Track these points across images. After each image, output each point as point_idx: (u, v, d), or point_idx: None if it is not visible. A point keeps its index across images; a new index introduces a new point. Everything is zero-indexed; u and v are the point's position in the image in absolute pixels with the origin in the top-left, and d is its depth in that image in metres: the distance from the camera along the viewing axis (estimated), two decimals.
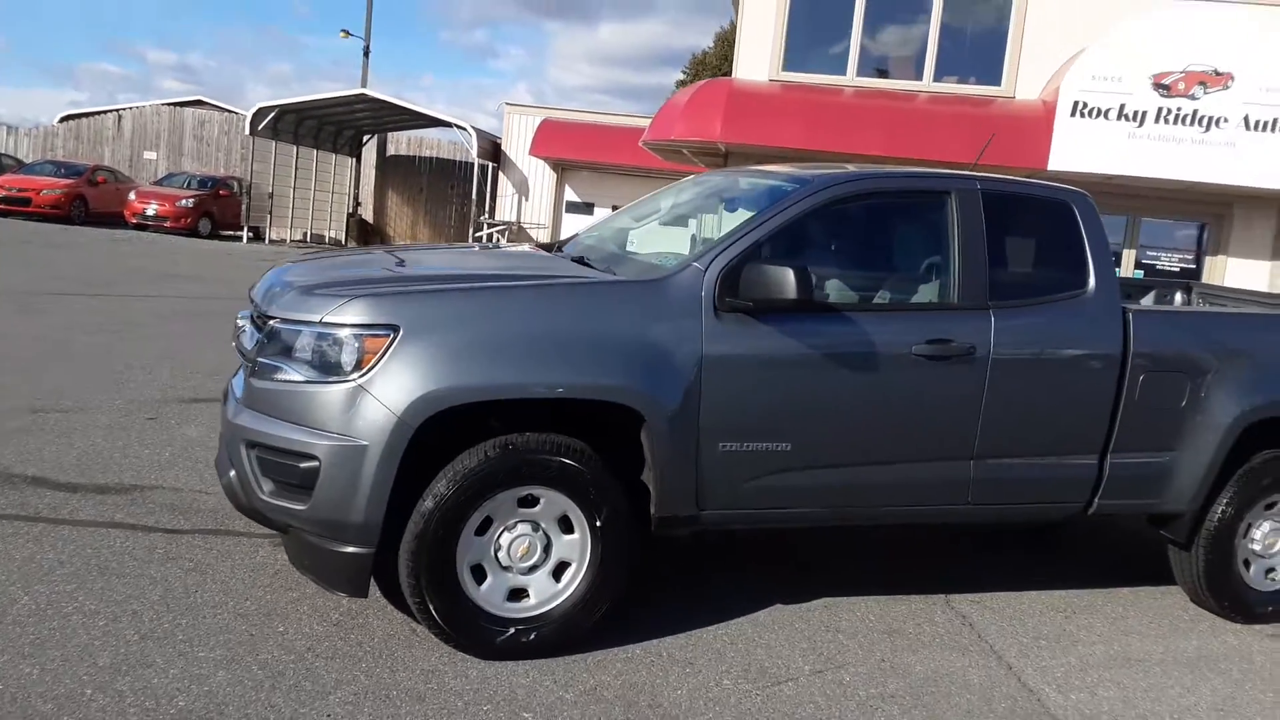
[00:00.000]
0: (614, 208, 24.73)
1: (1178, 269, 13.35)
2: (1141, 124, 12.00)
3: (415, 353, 3.24)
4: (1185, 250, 13.48)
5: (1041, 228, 4.29)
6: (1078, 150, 12.04)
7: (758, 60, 13.81)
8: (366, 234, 28.97)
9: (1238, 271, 13.25)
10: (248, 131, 23.92)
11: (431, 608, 3.31)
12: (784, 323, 3.69)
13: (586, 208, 24.21)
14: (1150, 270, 13.27)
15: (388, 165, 29.82)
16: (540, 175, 24.02)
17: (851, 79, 13.70)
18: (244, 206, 24.19)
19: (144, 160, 30.25)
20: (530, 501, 3.44)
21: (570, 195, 24.10)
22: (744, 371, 3.65)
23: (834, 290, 4.03)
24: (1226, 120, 11.82)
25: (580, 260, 4.16)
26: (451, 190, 28.35)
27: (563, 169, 23.70)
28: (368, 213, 29.57)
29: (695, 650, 3.74)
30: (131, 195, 23.88)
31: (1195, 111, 11.91)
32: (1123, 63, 12.11)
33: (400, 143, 29.57)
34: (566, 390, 3.35)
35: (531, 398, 3.34)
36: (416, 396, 3.19)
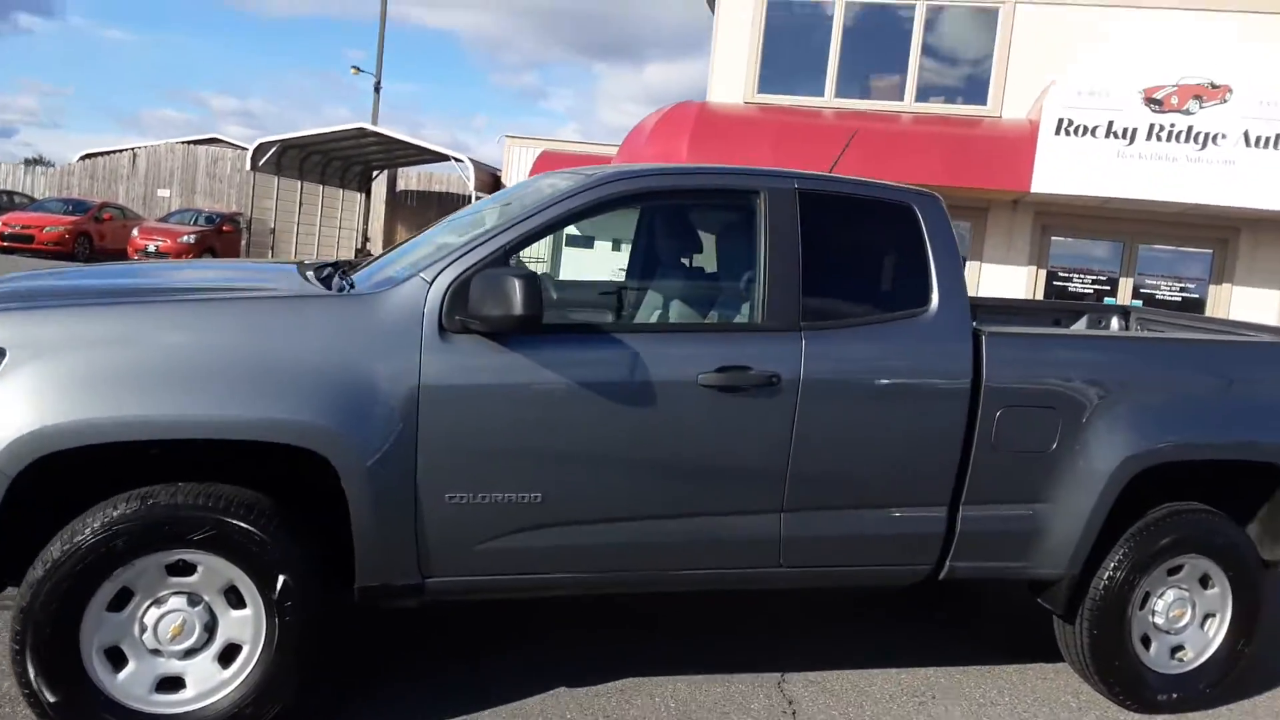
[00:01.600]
0: (615, 242, 24.34)
1: (1179, 299, 12.45)
2: (1132, 141, 11.19)
3: (23, 382, 2.64)
4: (1188, 279, 12.57)
5: (876, 235, 3.59)
6: (1063, 171, 11.25)
7: (732, 82, 13.25)
8: None
9: (1245, 301, 12.32)
10: (248, 167, 23.83)
11: (45, 701, 2.68)
12: (533, 347, 3.05)
13: (587, 241, 23.69)
14: (1150, 301, 12.38)
15: (397, 200, 29.68)
16: None
17: (830, 100, 13.07)
18: (243, 242, 24.05)
19: (158, 197, 30.44)
20: (184, 569, 2.81)
21: (570, 229, 23.60)
22: (478, 406, 3.01)
23: (605, 307, 3.38)
24: (1224, 136, 10.97)
25: (322, 277, 3.55)
26: None
27: None
28: (376, 247, 29.38)
29: None
30: (135, 232, 23.85)
31: (1190, 128, 11.08)
32: (1111, 76, 11.36)
33: (410, 178, 29.47)
34: (214, 429, 2.73)
35: (167, 438, 2.72)
36: (13, 439, 2.59)
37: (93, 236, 24.00)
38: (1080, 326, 5.46)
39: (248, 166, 23.91)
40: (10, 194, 28.57)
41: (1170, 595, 3.81)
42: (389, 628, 3.92)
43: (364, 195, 29.02)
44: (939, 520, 3.51)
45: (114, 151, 31.34)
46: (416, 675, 3.55)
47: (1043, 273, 12.64)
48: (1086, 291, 12.64)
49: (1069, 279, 12.65)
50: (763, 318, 3.30)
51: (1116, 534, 3.71)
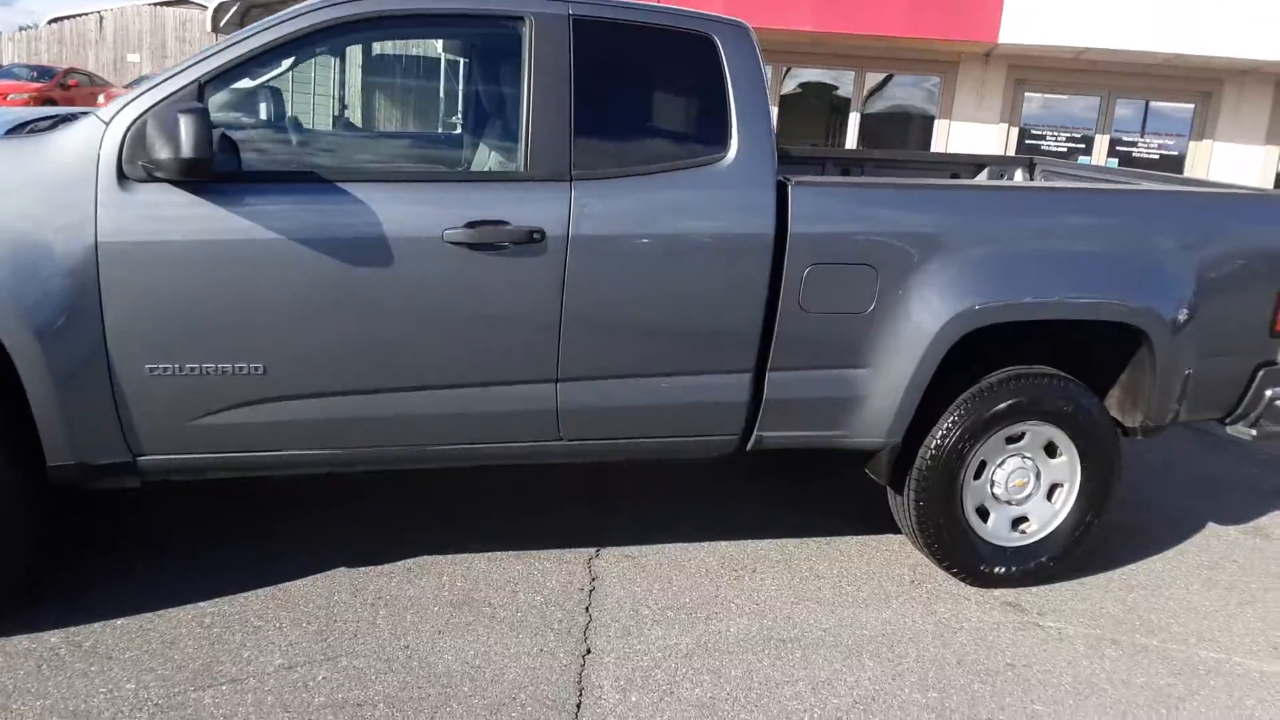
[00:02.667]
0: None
1: (1158, 156, 11.83)
2: None
3: None
4: (1168, 135, 11.92)
5: (667, 70, 3.17)
6: (1034, 19, 10.53)
7: None
8: None
9: (1227, 157, 11.72)
10: (209, 28, 22.84)
11: None
12: (234, 197, 2.71)
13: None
14: (1126, 159, 11.77)
15: (374, 65, 28.59)
16: None
17: None
18: None
19: (128, 63, 29.48)
20: None
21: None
22: (168, 265, 2.68)
23: (337, 150, 3.02)
24: None
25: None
26: None
27: None
28: (355, 115, 28.48)
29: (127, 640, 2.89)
30: (100, 99, 23.15)
31: None
32: None
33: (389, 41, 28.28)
34: None
35: None
36: None
37: (59, 104, 23.34)
38: (982, 180, 5.06)
39: (208, 28, 22.92)
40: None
41: (1011, 464, 3.55)
42: (189, 507, 3.72)
43: (338, 59, 27.92)
44: (742, 387, 3.21)
45: (80, 15, 30.19)
46: (192, 553, 3.36)
47: (1015, 130, 12.00)
48: (1060, 150, 12.03)
49: (1042, 137, 12.02)
50: (526, 166, 2.94)
51: (945, 400, 3.42)
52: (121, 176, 2.64)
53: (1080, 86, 11.81)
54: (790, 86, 12.28)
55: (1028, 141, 11.98)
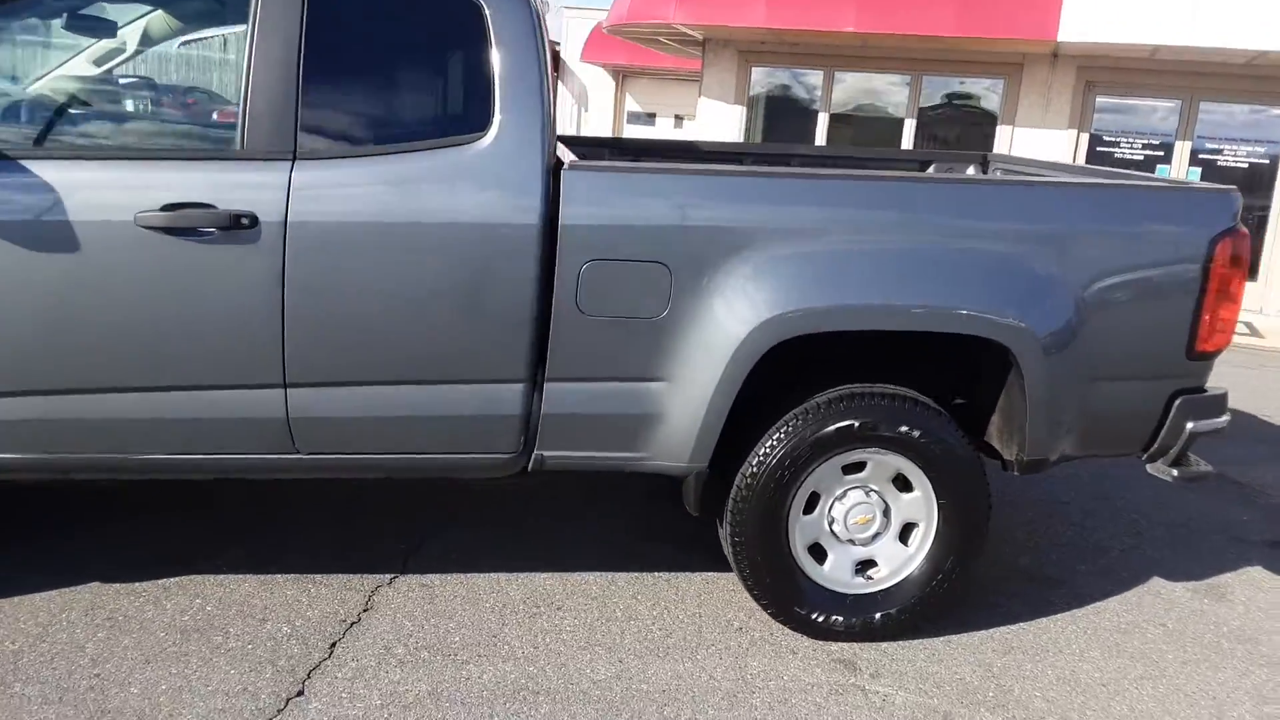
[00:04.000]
0: (677, 118, 23.14)
1: (1246, 165, 10.72)
2: None
3: None
4: (1259, 142, 10.78)
5: (423, 38, 2.83)
6: (1099, 14, 9.74)
7: None
8: None
9: (1027, 141, 10.76)
10: None
11: None
12: None
13: (649, 118, 22.71)
14: (1210, 169, 10.70)
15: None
16: (600, 84, 22.59)
17: None
18: None
19: None
20: None
21: (632, 105, 22.62)
22: None
23: (20, 124, 2.79)
24: None
25: None
26: None
27: (623, 76, 22.19)
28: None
29: None
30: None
31: None
32: None
33: None
34: None
35: None
36: None
37: None
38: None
39: None
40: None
41: (852, 498, 3.05)
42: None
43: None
44: (513, 400, 2.83)
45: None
46: None
47: (1085, 137, 11.09)
48: (1136, 158, 11.05)
49: (1115, 144, 11.07)
50: (243, 142, 2.65)
51: (765, 420, 2.96)
52: None
53: (1158, 89, 10.83)
54: (841, 93, 11.70)
55: (1099, 149, 11.06)
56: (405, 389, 2.79)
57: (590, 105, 22.74)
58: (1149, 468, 3.24)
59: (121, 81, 3.10)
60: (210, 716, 2.51)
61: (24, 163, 2.56)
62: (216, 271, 2.62)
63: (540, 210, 2.70)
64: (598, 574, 3.40)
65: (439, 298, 2.72)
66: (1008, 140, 11.08)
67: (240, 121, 2.65)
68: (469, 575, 3.33)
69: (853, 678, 2.89)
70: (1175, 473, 3.17)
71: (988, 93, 11.32)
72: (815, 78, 11.71)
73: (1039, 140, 11.02)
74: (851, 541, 3.08)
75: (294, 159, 2.65)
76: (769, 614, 3.08)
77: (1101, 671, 3.03)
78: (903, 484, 3.04)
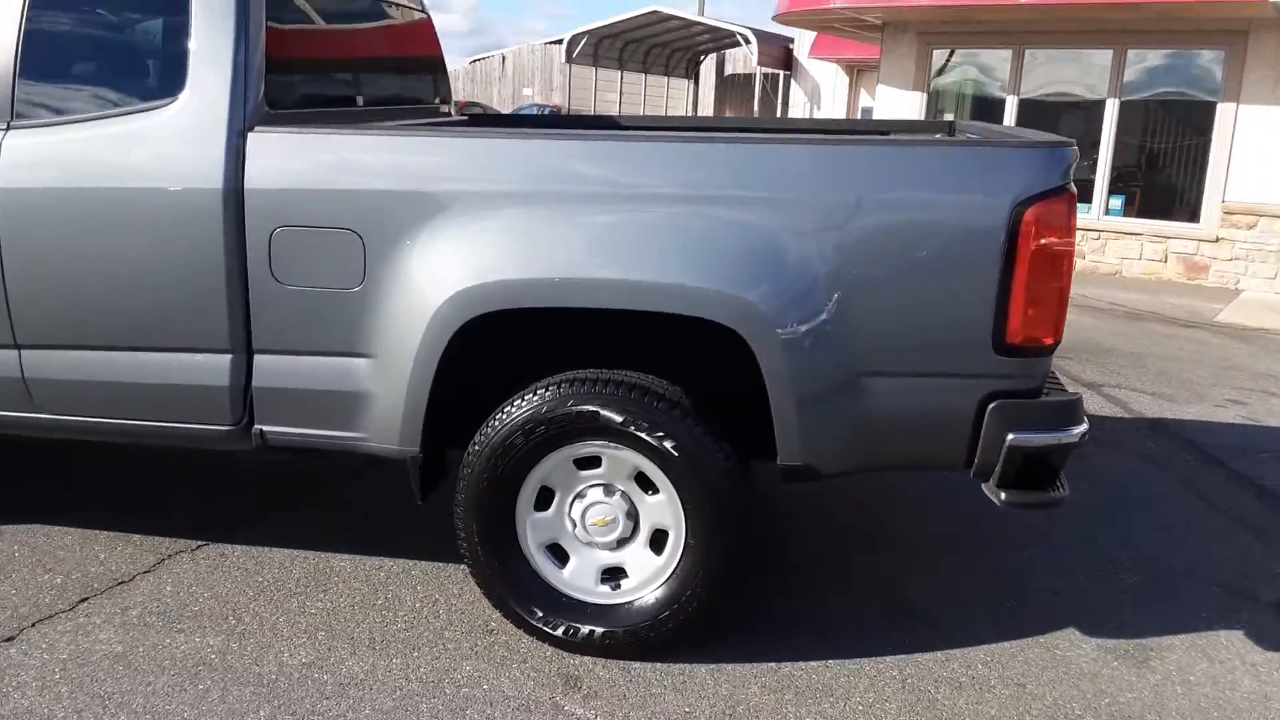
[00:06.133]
0: None
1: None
2: None
3: None
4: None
5: (134, 11, 2.85)
6: None
7: None
8: None
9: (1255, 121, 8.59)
10: (563, 59, 24.86)
11: None
12: None
13: None
14: None
15: (726, 84, 29.27)
16: (833, 81, 21.91)
17: None
18: None
19: (523, 96, 32.96)
20: None
21: (866, 100, 21.73)
22: None
23: None
24: None
25: None
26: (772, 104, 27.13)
27: (856, 71, 21.38)
28: None
29: None
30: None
31: None
32: None
33: (737, 61, 28.83)
34: None
35: None
36: None
37: None
38: None
39: (561, 59, 24.95)
40: (482, 105, 32.61)
41: (592, 496, 2.72)
42: None
43: (691, 82, 29.00)
44: (222, 371, 2.79)
45: (488, 56, 34.35)
46: None
47: None
48: None
49: None
50: None
51: (484, 403, 2.73)
52: None
53: (1085, 40, 8.99)
54: (1032, 76, 10.53)
55: None
56: (122, 355, 2.83)
57: (823, 101, 22.12)
58: (985, 489, 2.63)
59: None
60: None
61: None
62: None
63: (223, 174, 2.64)
64: (400, 560, 3.28)
65: (138, 264, 2.74)
66: (1230, 120, 9.50)
67: None
68: (273, 550, 3.33)
69: (559, 696, 2.58)
70: (1003, 495, 2.55)
71: (1207, 68, 9.75)
72: (1002, 58, 10.63)
73: (1272, 119, 9.35)
74: (594, 545, 2.75)
75: (8, 128, 2.78)
76: (501, 615, 2.82)
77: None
78: (647, 485, 2.67)
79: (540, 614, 2.75)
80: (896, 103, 11.31)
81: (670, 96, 28.48)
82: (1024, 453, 2.49)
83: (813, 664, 2.76)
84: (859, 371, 2.49)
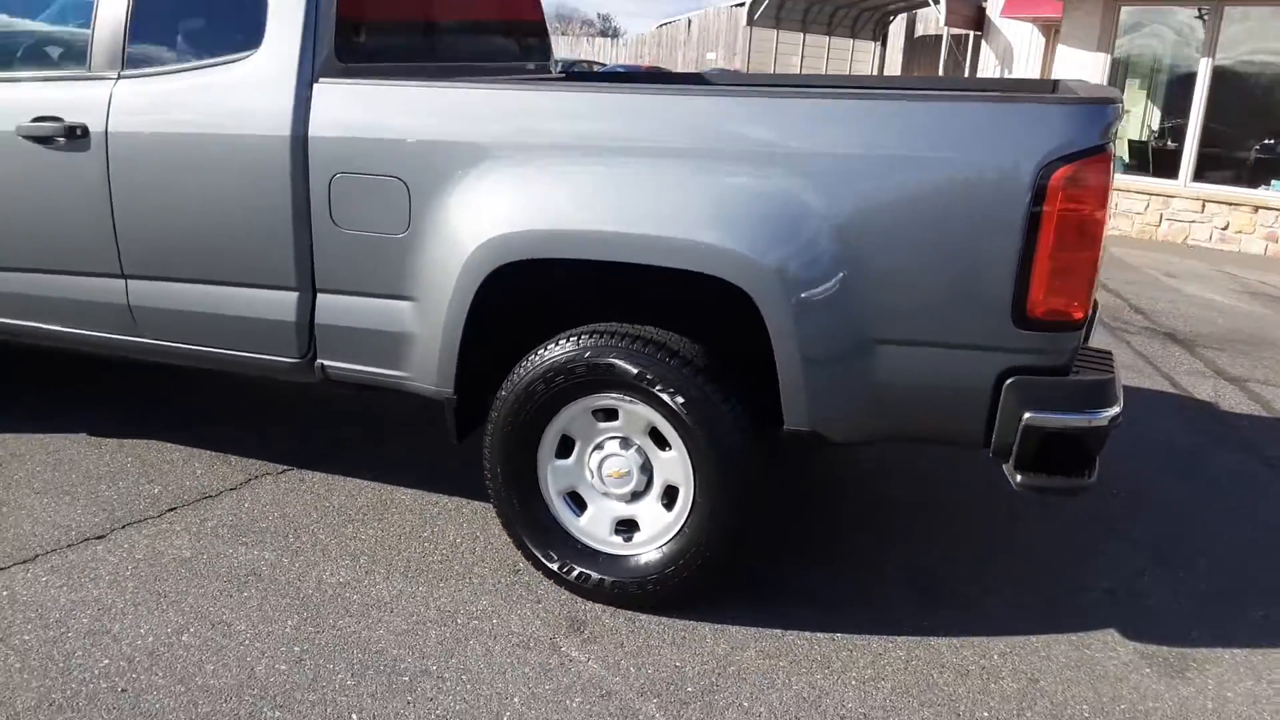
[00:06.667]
0: None
1: None
2: None
3: None
4: None
5: None
6: None
7: None
8: None
9: None
10: (745, 22, 24.55)
11: None
12: None
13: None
14: None
15: (916, 47, 28.13)
16: (1028, 41, 20.60)
17: None
18: None
19: (706, 60, 32.85)
20: None
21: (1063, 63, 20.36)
22: None
23: None
24: None
25: None
26: (959, 67, 25.83)
27: (1054, 31, 20.01)
28: None
29: None
30: None
31: None
32: None
33: (929, 21, 27.61)
34: None
35: None
36: None
37: None
38: None
39: (740, 21, 24.64)
40: (590, 63, 33.16)
41: (610, 448, 2.79)
42: None
43: (879, 44, 28.04)
44: (289, 307, 3.01)
45: (674, 20, 34.36)
46: None
47: None
48: None
49: None
50: (92, 63, 3.12)
51: (509, 351, 2.84)
52: None
53: None
54: (1232, 36, 9.62)
55: None
56: (207, 288, 3.10)
57: (1015, 64, 20.86)
58: (1005, 470, 2.52)
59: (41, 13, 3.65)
60: (33, 532, 3.08)
61: None
62: (65, 175, 3.13)
63: (290, 122, 2.84)
64: (455, 499, 3.45)
65: (220, 204, 2.98)
66: None
67: (90, 44, 3.12)
68: (346, 480, 3.58)
69: (560, 637, 2.68)
70: (1019, 478, 2.44)
71: None
72: (1196, 17, 9.76)
73: None
74: (610, 496, 2.82)
75: (119, 77, 3.07)
76: (522, 556, 2.94)
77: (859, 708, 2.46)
78: (663, 441, 2.71)
79: (556, 558, 2.85)
80: (1079, 65, 10.60)
81: (855, 59, 27.60)
82: (1042, 433, 2.37)
83: (819, 635, 2.74)
84: (871, 337, 2.43)
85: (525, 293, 2.85)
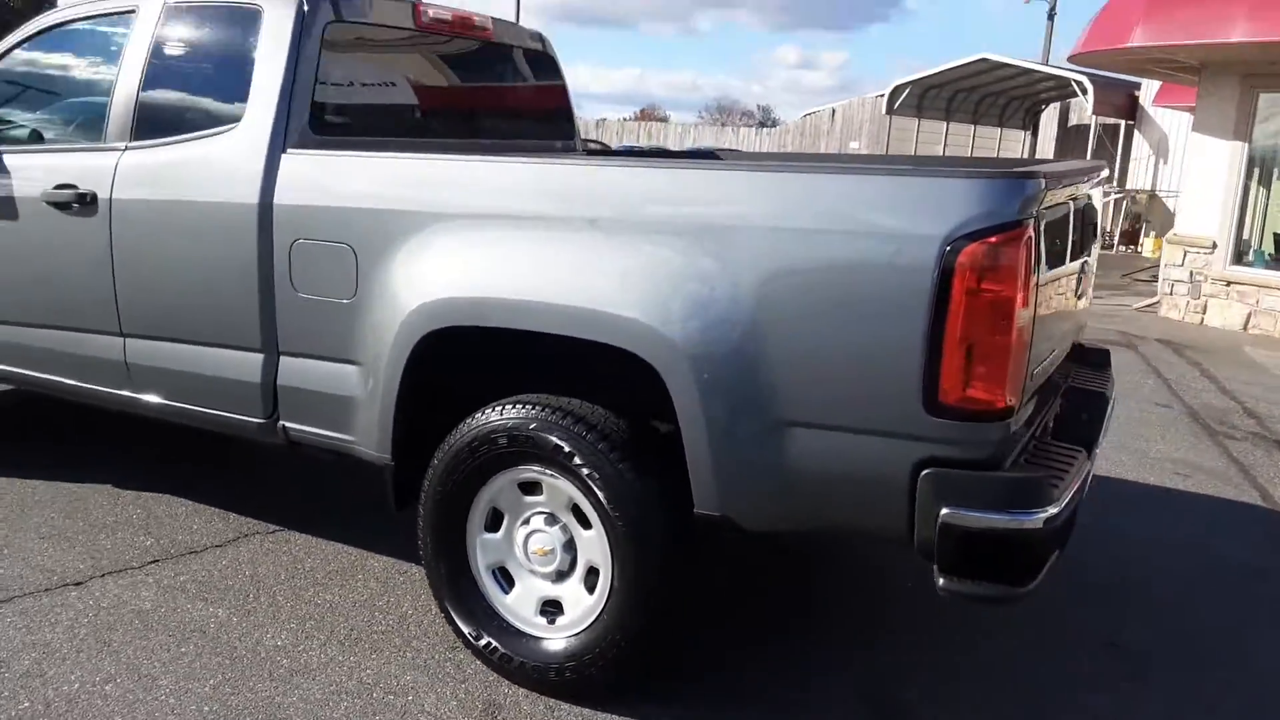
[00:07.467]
0: None
1: None
2: None
3: None
4: None
5: (223, 44, 3.26)
6: None
7: None
8: None
9: None
10: (884, 111, 24.48)
11: None
12: None
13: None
14: None
15: (1069, 136, 27.25)
16: (1185, 130, 19.59)
17: None
18: None
19: (849, 149, 32.81)
20: None
21: None
22: None
23: (12, 126, 3.72)
24: None
25: None
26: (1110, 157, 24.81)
27: None
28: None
29: None
30: None
31: None
32: None
33: (1083, 111, 26.75)
34: None
35: None
36: None
37: None
38: None
39: (883, 110, 24.55)
40: (600, 142, 33.58)
41: (534, 523, 2.71)
42: None
43: (1029, 133, 27.34)
44: (254, 368, 3.10)
45: (819, 110, 34.58)
46: None
47: None
48: None
49: None
50: (108, 134, 3.36)
51: (441, 422, 2.81)
52: None
53: None
54: None
55: None
56: (191, 348, 3.23)
57: (1171, 154, 19.87)
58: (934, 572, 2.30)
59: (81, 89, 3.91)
60: (19, 574, 3.24)
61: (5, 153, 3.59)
62: (80, 238, 3.36)
63: (259, 190, 2.96)
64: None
65: (199, 267, 3.13)
66: None
67: (107, 117, 3.37)
68: (329, 543, 3.61)
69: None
70: (940, 581, 2.21)
71: None
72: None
73: None
74: (535, 574, 2.72)
75: (125, 148, 3.29)
76: (452, 631, 2.86)
77: None
78: (584, 519, 2.61)
79: (482, 636, 2.76)
80: (1212, 155, 9.98)
81: (1004, 149, 26.96)
82: (962, 532, 2.15)
83: None
84: (781, 418, 2.28)
85: (479, 361, 2.83)
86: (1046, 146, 27.62)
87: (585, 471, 2.49)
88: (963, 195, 2.09)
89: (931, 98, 24.54)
